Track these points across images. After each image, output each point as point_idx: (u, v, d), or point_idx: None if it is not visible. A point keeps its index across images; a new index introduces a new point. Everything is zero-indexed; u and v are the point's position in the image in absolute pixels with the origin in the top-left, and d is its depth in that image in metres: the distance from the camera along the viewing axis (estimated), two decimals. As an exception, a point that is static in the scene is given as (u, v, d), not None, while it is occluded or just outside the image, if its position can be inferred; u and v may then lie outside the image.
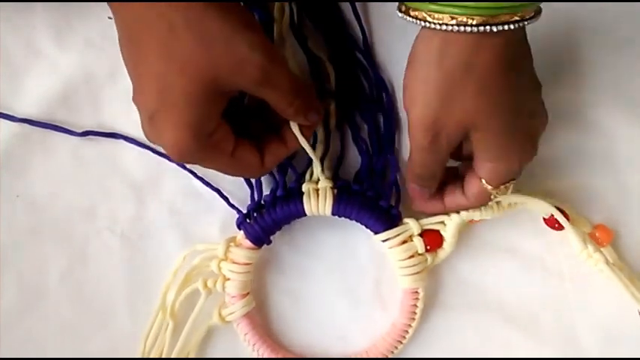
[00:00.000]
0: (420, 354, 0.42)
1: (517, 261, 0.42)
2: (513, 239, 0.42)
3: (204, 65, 0.30)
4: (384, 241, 0.40)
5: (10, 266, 0.41)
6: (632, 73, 0.43)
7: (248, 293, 0.41)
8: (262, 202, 0.41)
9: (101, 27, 0.42)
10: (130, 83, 0.42)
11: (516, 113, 0.33)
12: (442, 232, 0.40)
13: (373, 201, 0.40)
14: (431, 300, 0.41)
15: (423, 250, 0.40)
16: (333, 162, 0.42)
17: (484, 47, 0.31)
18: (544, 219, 0.41)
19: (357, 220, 0.40)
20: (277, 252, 0.42)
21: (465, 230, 0.42)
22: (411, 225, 0.40)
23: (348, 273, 0.42)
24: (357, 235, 0.42)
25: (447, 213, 0.40)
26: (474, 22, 0.30)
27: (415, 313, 0.40)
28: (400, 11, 0.33)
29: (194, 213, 0.42)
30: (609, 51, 0.43)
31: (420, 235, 0.40)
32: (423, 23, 0.31)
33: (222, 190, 0.41)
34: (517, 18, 0.30)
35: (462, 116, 0.32)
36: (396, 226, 0.40)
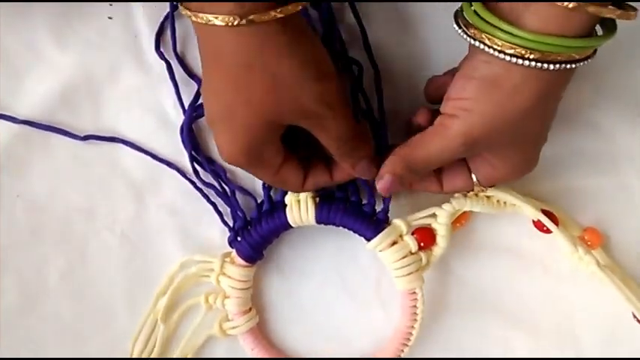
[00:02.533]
0: (420, 354, 0.42)
1: (517, 261, 0.42)
2: (513, 239, 0.42)
3: (270, 105, 0.32)
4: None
5: (10, 266, 0.42)
6: (632, 72, 0.43)
7: (250, 308, 0.41)
8: (249, 218, 0.41)
9: (101, 27, 0.42)
10: (130, 83, 0.42)
11: (544, 137, 0.35)
12: (434, 226, 0.40)
13: (357, 206, 0.40)
14: (431, 300, 0.41)
15: (416, 248, 0.39)
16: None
17: (557, 80, 0.32)
18: (533, 222, 0.41)
19: (342, 226, 0.40)
20: (277, 253, 0.42)
21: (465, 230, 0.42)
22: (399, 225, 0.40)
23: (349, 275, 0.42)
24: (356, 237, 0.42)
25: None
26: (560, 59, 0.30)
27: (416, 314, 0.40)
28: (458, 25, 0.33)
29: (194, 213, 0.42)
30: (609, 51, 0.43)
31: (412, 234, 0.40)
32: (481, 45, 0.31)
33: (218, 206, 0.42)
34: (578, 57, 0.31)
35: (505, 138, 0.33)
36: (383, 228, 0.39)
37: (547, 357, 0.42)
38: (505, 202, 0.40)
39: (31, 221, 0.42)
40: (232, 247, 0.41)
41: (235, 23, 0.29)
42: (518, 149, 0.35)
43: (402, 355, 0.40)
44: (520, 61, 0.30)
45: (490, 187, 0.38)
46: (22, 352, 0.41)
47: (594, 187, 0.42)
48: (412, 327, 0.40)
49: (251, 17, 0.29)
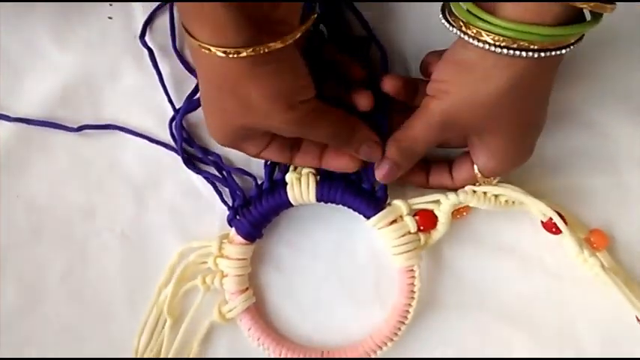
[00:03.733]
0: (420, 354, 0.42)
1: (517, 261, 0.42)
2: (513, 239, 0.42)
3: (243, 122, 0.34)
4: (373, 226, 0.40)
5: (10, 266, 0.42)
6: (632, 72, 0.42)
7: (247, 288, 0.41)
8: (250, 197, 0.41)
9: (101, 27, 0.42)
10: (130, 83, 0.42)
11: (535, 127, 0.36)
12: (436, 212, 0.40)
13: (357, 184, 0.40)
14: (431, 300, 0.41)
15: (415, 229, 0.40)
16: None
17: (532, 69, 0.32)
18: (542, 222, 0.41)
19: (342, 204, 0.40)
20: (276, 252, 0.42)
21: (465, 230, 0.42)
22: (399, 205, 0.40)
23: (347, 273, 0.42)
24: (355, 236, 0.42)
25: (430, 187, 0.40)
26: (532, 47, 0.31)
27: (413, 292, 0.40)
28: (449, 23, 0.33)
29: (194, 213, 0.42)
30: (609, 50, 0.43)
31: (414, 215, 0.40)
32: (458, 32, 0.33)
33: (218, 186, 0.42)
34: (568, 42, 0.32)
35: (484, 122, 0.34)
36: (382, 207, 0.40)
37: (547, 357, 0.42)
38: (513, 202, 0.40)
39: (31, 221, 0.42)
40: (231, 226, 0.41)
41: (234, 56, 0.30)
42: (509, 138, 0.36)
43: (399, 334, 0.40)
44: (492, 49, 0.31)
45: (490, 177, 0.38)
46: (22, 352, 0.41)
47: (595, 187, 0.42)
48: (409, 305, 0.40)
49: (250, 50, 0.30)
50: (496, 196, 0.39)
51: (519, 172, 0.39)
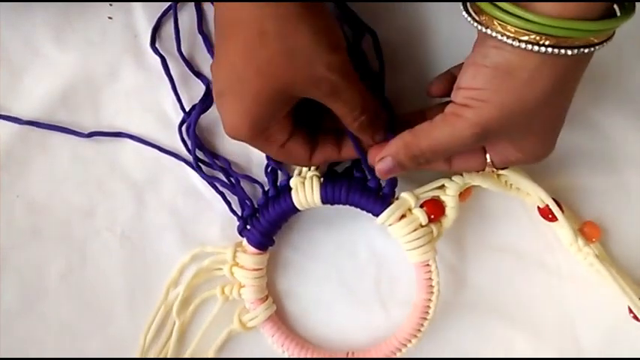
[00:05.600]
0: (420, 354, 0.42)
1: (516, 261, 0.42)
2: (513, 239, 0.42)
3: (282, 74, 0.31)
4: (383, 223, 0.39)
5: (10, 266, 0.42)
6: (632, 72, 0.43)
7: (267, 296, 0.41)
8: (257, 205, 0.41)
9: (101, 27, 0.42)
10: (130, 83, 0.42)
11: (563, 120, 0.34)
12: (442, 198, 0.39)
13: (362, 182, 0.39)
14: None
15: (427, 220, 0.39)
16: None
17: (574, 65, 0.31)
18: (538, 208, 0.41)
19: (349, 204, 0.39)
20: (276, 253, 0.42)
21: (466, 230, 0.42)
22: (407, 198, 0.39)
23: (348, 274, 0.42)
24: (355, 236, 0.42)
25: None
26: (578, 43, 0.29)
27: (432, 286, 0.40)
28: (467, 11, 0.31)
29: (194, 213, 0.42)
30: (610, 50, 0.42)
31: (421, 206, 0.39)
32: (493, 33, 0.30)
33: (225, 194, 0.41)
34: (608, 36, 0.30)
35: (522, 127, 0.32)
36: (390, 203, 0.39)
37: (547, 357, 0.42)
38: (511, 185, 0.40)
39: (31, 221, 0.42)
40: (242, 236, 0.41)
41: None
42: (536, 135, 0.34)
43: (422, 330, 0.40)
44: (536, 48, 0.29)
45: (503, 169, 0.37)
46: (22, 352, 0.41)
47: (595, 187, 0.42)
48: (429, 300, 0.40)
49: None
50: (498, 176, 0.39)
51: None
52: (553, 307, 0.42)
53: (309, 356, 0.41)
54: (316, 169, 0.40)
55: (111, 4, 0.42)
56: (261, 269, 0.41)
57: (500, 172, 0.39)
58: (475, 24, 0.31)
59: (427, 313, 0.40)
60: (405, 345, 0.40)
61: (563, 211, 0.40)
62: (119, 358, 0.41)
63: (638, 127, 0.42)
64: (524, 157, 0.35)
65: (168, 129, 0.42)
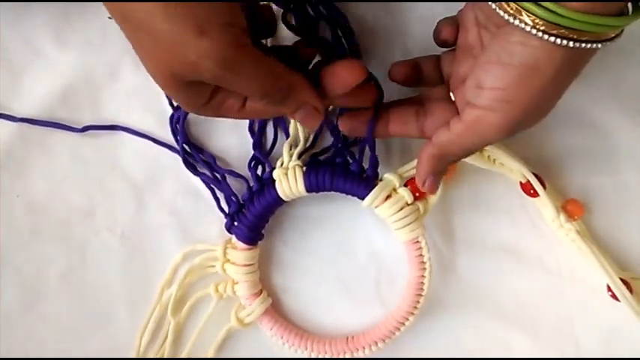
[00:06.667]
0: (420, 354, 0.42)
1: (516, 261, 0.42)
2: (513, 239, 0.42)
3: (162, 64, 0.29)
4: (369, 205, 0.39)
5: (10, 266, 0.42)
6: (632, 72, 0.43)
7: (261, 290, 0.41)
8: (243, 201, 0.41)
9: (101, 27, 0.42)
10: (130, 83, 0.42)
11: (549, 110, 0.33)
12: None
13: (344, 167, 0.40)
14: (431, 300, 0.41)
15: (412, 199, 0.39)
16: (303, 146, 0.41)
17: (587, 59, 0.31)
18: (521, 183, 0.41)
19: (333, 190, 0.39)
20: (275, 252, 0.42)
21: (465, 230, 0.42)
22: (391, 179, 0.39)
23: (347, 274, 0.42)
24: (355, 236, 0.42)
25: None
26: (596, 38, 0.29)
27: (424, 262, 0.40)
28: (508, 13, 0.30)
29: (194, 213, 0.42)
30: (609, 50, 0.42)
31: (405, 185, 0.39)
32: (522, 25, 0.29)
33: (216, 192, 0.42)
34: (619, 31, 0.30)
35: (532, 120, 0.32)
36: (374, 185, 0.39)
37: (547, 357, 0.42)
38: (495, 160, 0.40)
39: (31, 221, 0.42)
40: (231, 233, 0.41)
41: None
42: (533, 120, 0.33)
43: (419, 307, 0.40)
44: (564, 42, 0.29)
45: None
46: (22, 352, 0.41)
47: (594, 187, 0.42)
48: (422, 276, 0.40)
49: None
50: (481, 151, 0.39)
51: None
52: (553, 307, 0.42)
53: (309, 346, 0.41)
54: (298, 158, 0.40)
55: (111, 4, 0.42)
56: (252, 264, 0.41)
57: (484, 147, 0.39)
58: (502, 13, 0.29)
59: (422, 290, 0.40)
60: (403, 323, 0.40)
61: (545, 187, 0.40)
62: (119, 358, 0.41)
63: (638, 127, 0.42)
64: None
65: (167, 129, 0.42)
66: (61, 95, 0.42)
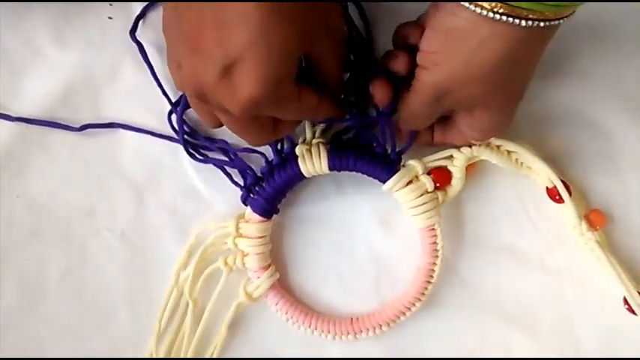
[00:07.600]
0: (420, 354, 0.42)
1: (516, 261, 0.42)
2: (512, 239, 0.42)
3: (302, 22, 0.30)
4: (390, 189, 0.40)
5: (10, 266, 0.42)
6: (632, 72, 0.43)
7: (270, 264, 0.41)
8: (261, 174, 0.41)
9: (101, 27, 0.42)
10: (130, 83, 0.42)
11: (520, 97, 0.35)
12: (450, 168, 0.40)
13: (368, 148, 0.40)
14: (431, 300, 0.41)
15: (432, 187, 0.39)
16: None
17: (527, 40, 0.31)
18: (547, 188, 0.41)
19: (356, 171, 0.40)
20: (275, 251, 0.42)
21: (466, 230, 0.42)
22: (415, 165, 0.39)
23: (347, 274, 0.42)
24: (355, 235, 0.42)
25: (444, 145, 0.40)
26: (532, 16, 0.29)
27: (437, 250, 0.40)
28: None
29: (194, 213, 0.42)
30: (609, 50, 0.43)
31: (429, 173, 0.40)
32: (472, 7, 0.30)
33: (224, 169, 0.41)
34: (566, 14, 0.31)
35: (475, 95, 0.33)
36: (397, 169, 0.39)
37: (547, 357, 0.42)
38: (522, 163, 0.40)
39: (31, 221, 0.42)
40: (246, 205, 0.41)
41: None
42: (491, 109, 0.35)
43: (426, 293, 0.40)
44: (490, 15, 0.29)
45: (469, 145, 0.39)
46: (22, 352, 0.41)
47: (595, 187, 0.42)
48: (434, 263, 0.40)
49: None
50: (509, 152, 0.40)
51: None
52: (553, 307, 0.42)
53: (313, 323, 0.41)
54: (321, 135, 0.40)
55: (111, 4, 0.42)
56: (264, 237, 0.40)
57: (512, 149, 0.39)
58: None
59: (432, 277, 0.40)
60: (409, 308, 0.40)
61: (571, 194, 0.40)
62: (119, 358, 0.41)
63: (638, 127, 0.42)
64: (481, 132, 0.36)
65: (168, 128, 0.42)
66: (61, 95, 0.42)
